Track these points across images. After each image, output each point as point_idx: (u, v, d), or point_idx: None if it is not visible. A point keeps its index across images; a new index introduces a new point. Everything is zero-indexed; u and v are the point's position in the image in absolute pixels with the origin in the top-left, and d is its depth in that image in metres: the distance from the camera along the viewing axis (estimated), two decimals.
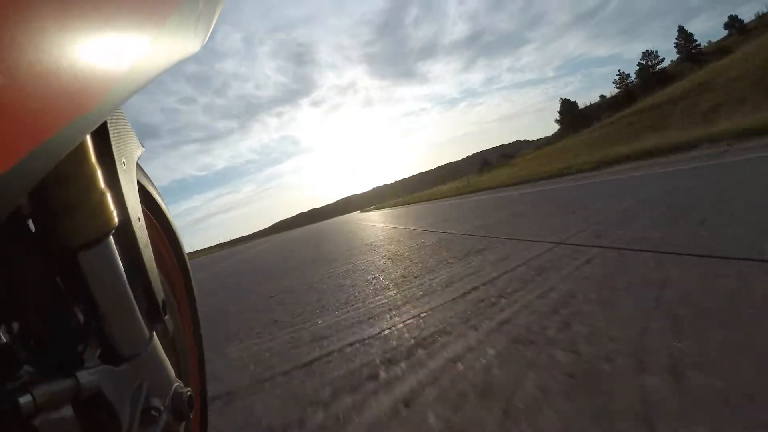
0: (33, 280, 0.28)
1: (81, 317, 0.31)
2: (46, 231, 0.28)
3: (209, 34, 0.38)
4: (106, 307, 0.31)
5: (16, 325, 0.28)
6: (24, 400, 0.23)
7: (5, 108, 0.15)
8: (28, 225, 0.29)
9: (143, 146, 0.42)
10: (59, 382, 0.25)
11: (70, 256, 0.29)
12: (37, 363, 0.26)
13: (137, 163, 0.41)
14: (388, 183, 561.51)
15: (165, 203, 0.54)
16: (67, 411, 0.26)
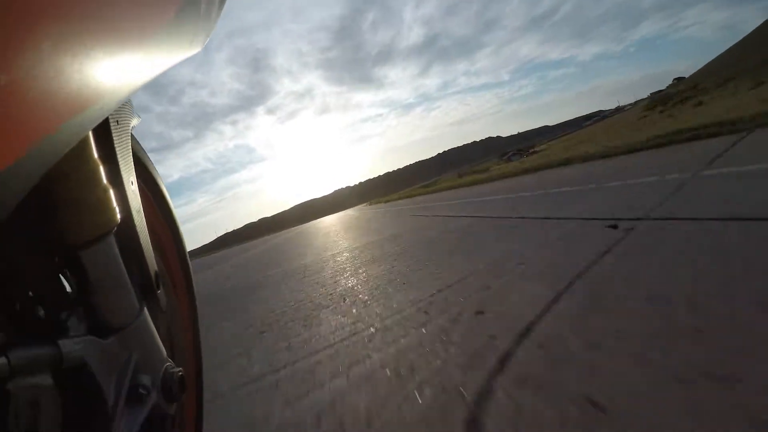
0: (33, 273, 0.29)
1: (68, 285, 0.31)
2: (47, 228, 0.29)
3: (211, 34, 0.39)
4: (94, 275, 0.32)
5: None
6: None
7: (6, 105, 0.15)
8: (28, 222, 0.29)
9: (139, 116, 0.44)
10: (38, 348, 0.26)
11: (70, 252, 0.30)
12: (17, 327, 0.27)
13: (132, 134, 0.42)
14: (351, 185, 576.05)
15: (159, 174, 0.54)
16: (45, 378, 0.26)
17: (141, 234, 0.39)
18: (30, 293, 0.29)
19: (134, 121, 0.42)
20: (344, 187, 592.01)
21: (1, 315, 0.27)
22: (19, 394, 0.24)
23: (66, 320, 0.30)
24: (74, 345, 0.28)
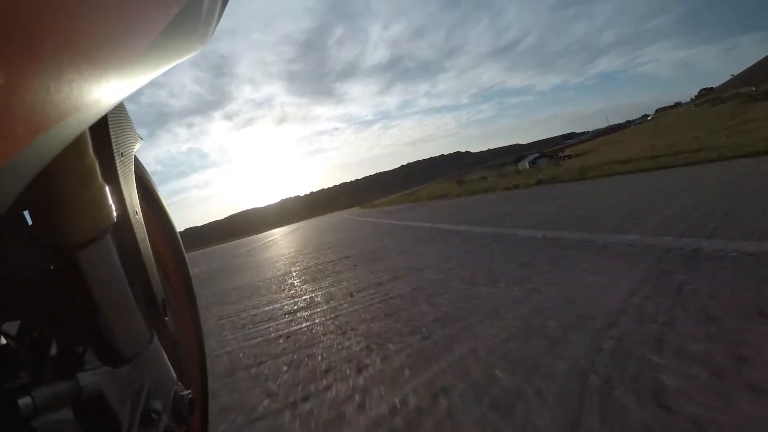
0: (32, 278, 0.30)
1: (81, 318, 0.33)
2: (44, 227, 0.30)
3: (214, 31, 0.40)
4: (106, 307, 0.33)
5: (15, 326, 0.30)
6: (23, 401, 0.24)
7: (4, 99, 0.16)
8: (26, 221, 0.30)
9: (141, 138, 0.45)
10: (59, 384, 0.27)
11: (69, 254, 0.31)
12: (36, 364, 0.29)
13: (135, 156, 0.44)
14: (301, 195, 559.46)
15: (163, 198, 0.56)
16: (67, 413, 0.28)
17: (147, 262, 0.41)
18: (49, 328, 0.31)
19: (137, 145, 0.44)
20: (293, 196, 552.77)
21: (22, 351, 0.29)
22: (44, 430, 0.25)
23: (83, 354, 0.32)
24: (91, 377, 0.30)
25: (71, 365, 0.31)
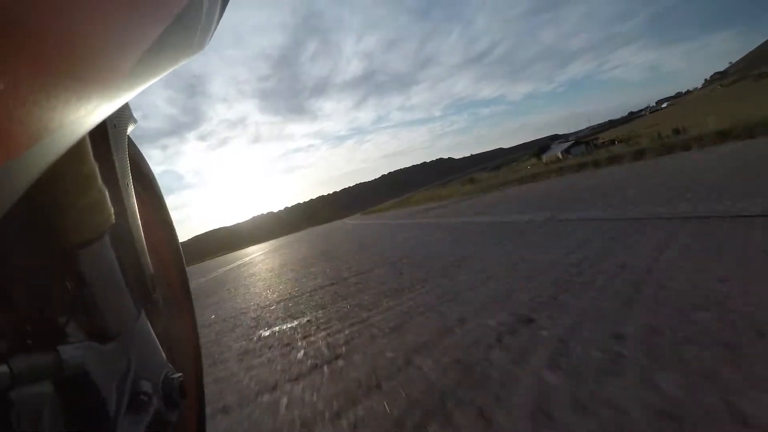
0: (29, 270, 0.30)
1: (64, 288, 0.32)
2: (43, 229, 0.31)
3: (213, 34, 0.41)
4: (92, 280, 0.33)
5: None
6: (0, 369, 0.23)
7: (5, 105, 0.16)
8: (25, 221, 0.30)
9: (136, 120, 0.46)
10: (39, 355, 0.26)
11: (67, 252, 0.32)
12: (15, 333, 0.28)
13: (134, 145, 0.45)
14: (274, 211, 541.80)
15: (155, 177, 0.58)
16: (47, 386, 0.26)
17: (136, 237, 0.41)
18: (30, 297, 0.30)
19: (131, 125, 0.45)
20: (265, 213, 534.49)
21: (2, 320, 0.28)
22: (21, 402, 0.24)
23: (65, 326, 0.31)
24: (74, 351, 0.29)
25: (52, 337, 0.30)
